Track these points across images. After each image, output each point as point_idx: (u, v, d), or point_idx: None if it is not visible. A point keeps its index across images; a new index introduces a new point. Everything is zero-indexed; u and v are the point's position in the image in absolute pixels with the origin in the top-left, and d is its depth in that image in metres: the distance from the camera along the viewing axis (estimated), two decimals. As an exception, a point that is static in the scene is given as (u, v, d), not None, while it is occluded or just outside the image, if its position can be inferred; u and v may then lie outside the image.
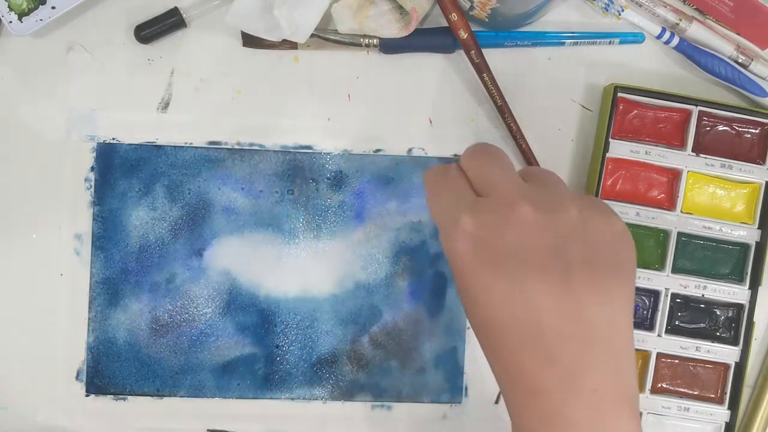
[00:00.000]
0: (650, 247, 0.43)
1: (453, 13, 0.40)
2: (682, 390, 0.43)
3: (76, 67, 0.43)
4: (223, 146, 0.43)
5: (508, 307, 0.30)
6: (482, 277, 0.30)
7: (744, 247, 0.43)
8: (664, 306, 0.42)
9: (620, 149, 0.42)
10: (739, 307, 0.43)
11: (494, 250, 0.30)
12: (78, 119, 0.43)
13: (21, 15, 0.40)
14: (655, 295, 0.43)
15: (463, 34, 0.41)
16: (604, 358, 0.30)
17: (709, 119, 0.43)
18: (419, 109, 0.44)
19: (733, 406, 0.42)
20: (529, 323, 0.30)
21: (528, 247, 0.30)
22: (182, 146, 0.43)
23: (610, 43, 0.44)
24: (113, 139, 0.43)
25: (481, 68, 0.42)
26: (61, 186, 0.43)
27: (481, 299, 0.31)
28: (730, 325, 0.43)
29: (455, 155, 0.44)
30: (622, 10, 0.43)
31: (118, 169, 0.43)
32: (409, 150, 0.44)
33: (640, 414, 0.42)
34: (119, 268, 0.43)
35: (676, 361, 0.43)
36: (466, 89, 0.44)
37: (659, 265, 0.43)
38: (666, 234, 0.43)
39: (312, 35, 0.41)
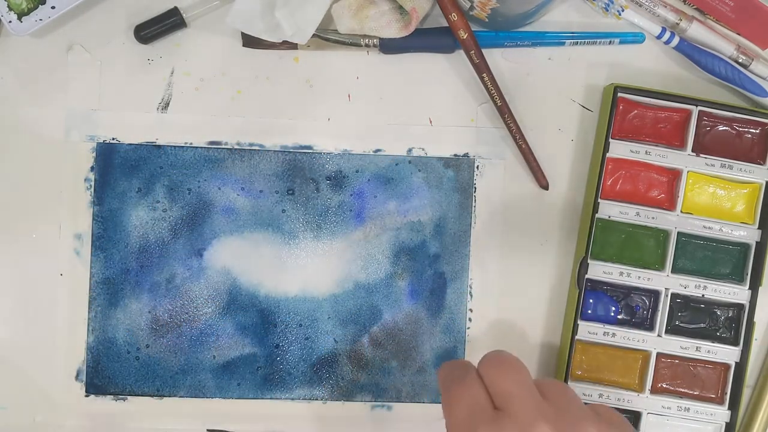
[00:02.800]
0: (650, 247, 0.43)
1: (453, 13, 0.40)
2: (683, 390, 0.43)
3: (76, 67, 0.43)
4: (223, 146, 0.43)
5: None
6: None
7: (744, 247, 0.43)
8: (664, 306, 0.42)
9: (620, 149, 0.42)
10: (739, 307, 0.43)
11: None
12: (78, 119, 0.43)
13: (21, 15, 0.40)
14: (655, 295, 0.43)
15: (463, 34, 0.41)
16: None
17: (709, 119, 0.43)
18: (419, 109, 0.44)
19: (734, 406, 0.42)
20: None
21: None
22: (182, 146, 0.43)
23: (610, 43, 0.44)
24: (113, 139, 0.43)
25: (481, 68, 0.42)
26: (61, 186, 0.43)
27: None
28: (731, 325, 0.43)
29: (455, 155, 0.44)
30: (622, 10, 0.43)
31: (118, 169, 0.43)
32: (409, 150, 0.44)
33: (640, 414, 0.42)
34: (119, 268, 0.43)
35: (677, 361, 0.43)
36: (466, 89, 0.44)
37: (659, 265, 0.43)
38: (666, 234, 0.43)
39: (312, 35, 0.41)
